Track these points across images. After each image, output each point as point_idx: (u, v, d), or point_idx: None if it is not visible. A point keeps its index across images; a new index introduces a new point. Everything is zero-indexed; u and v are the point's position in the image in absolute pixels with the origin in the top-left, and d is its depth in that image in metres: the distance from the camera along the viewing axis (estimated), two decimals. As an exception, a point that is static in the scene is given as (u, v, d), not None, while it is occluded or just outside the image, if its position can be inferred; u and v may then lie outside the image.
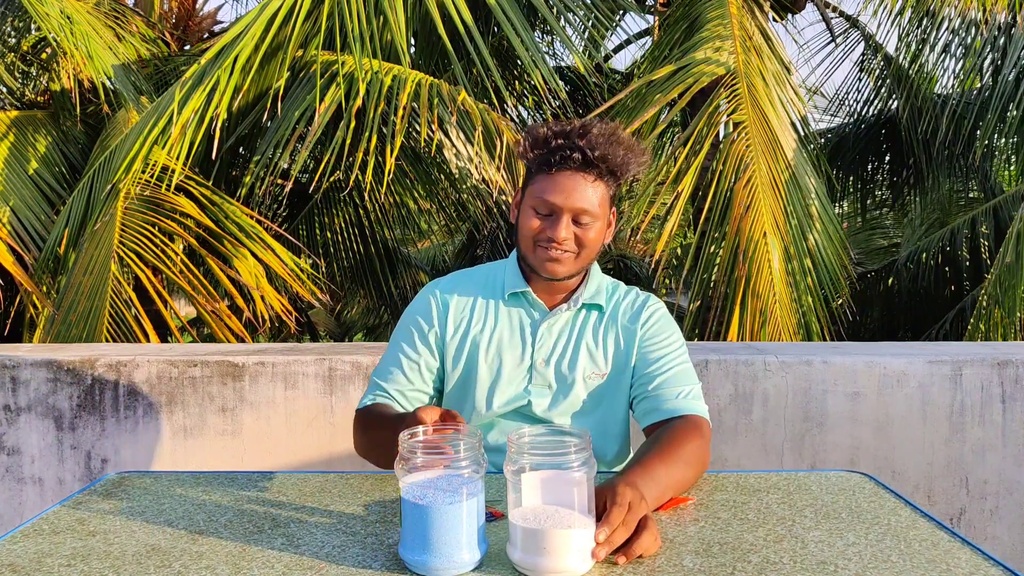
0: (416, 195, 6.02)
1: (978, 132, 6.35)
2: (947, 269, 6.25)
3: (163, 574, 0.96)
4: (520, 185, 1.46)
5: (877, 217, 8.15)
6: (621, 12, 6.60)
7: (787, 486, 1.28)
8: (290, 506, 1.19)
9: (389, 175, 3.99)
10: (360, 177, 5.38)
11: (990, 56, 5.56)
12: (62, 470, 2.33)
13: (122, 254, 3.63)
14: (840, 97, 7.54)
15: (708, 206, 4.12)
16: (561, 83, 5.19)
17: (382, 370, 1.48)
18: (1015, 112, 5.31)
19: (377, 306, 7.22)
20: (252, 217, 4.02)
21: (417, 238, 7.51)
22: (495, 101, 4.88)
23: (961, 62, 5.76)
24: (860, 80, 7.27)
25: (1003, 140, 6.49)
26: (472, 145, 3.89)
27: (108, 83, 4.64)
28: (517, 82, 6.30)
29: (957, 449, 2.26)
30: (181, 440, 2.32)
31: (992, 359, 2.27)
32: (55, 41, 4.58)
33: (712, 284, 4.26)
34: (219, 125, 3.77)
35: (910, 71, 6.50)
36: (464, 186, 5.76)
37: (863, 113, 7.31)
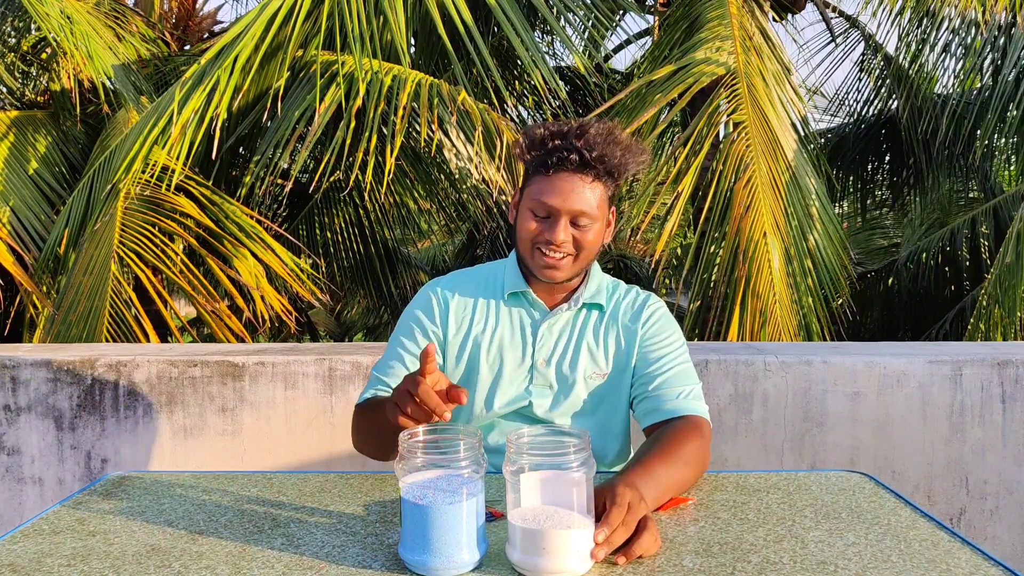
0: (416, 195, 6.02)
1: (978, 132, 6.35)
2: (947, 269, 6.25)
3: (163, 574, 0.96)
4: (518, 185, 1.45)
5: (877, 217, 8.15)
6: (621, 12, 6.60)
7: (787, 486, 1.28)
8: (290, 506, 1.19)
9: (389, 175, 3.99)
10: (360, 177, 5.38)
11: (990, 56, 5.56)
12: (62, 470, 2.33)
13: (122, 254, 3.63)
14: (840, 97, 7.55)
15: (708, 206, 4.12)
16: (561, 83, 5.19)
17: (382, 366, 1.46)
18: (1015, 112, 5.31)
19: (377, 306, 7.22)
20: (252, 217, 4.02)
21: (417, 238, 7.51)
22: (495, 101, 4.88)
23: (961, 62, 5.76)
24: (860, 80, 7.28)
25: (1003, 140, 6.49)
26: (472, 145, 3.89)
27: (108, 83, 4.64)
28: (517, 82, 6.30)
29: (957, 449, 2.26)
30: (181, 440, 2.32)
31: (992, 359, 2.27)
32: (55, 41, 4.59)
33: (712, 284, 4.26)
34: (219, 125, 3.77)
35: (910, 71, 6.50)
36: (464, 186, 5.76)
37: (863, 113, 7.31)
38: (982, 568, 0.97)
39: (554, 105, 5.90)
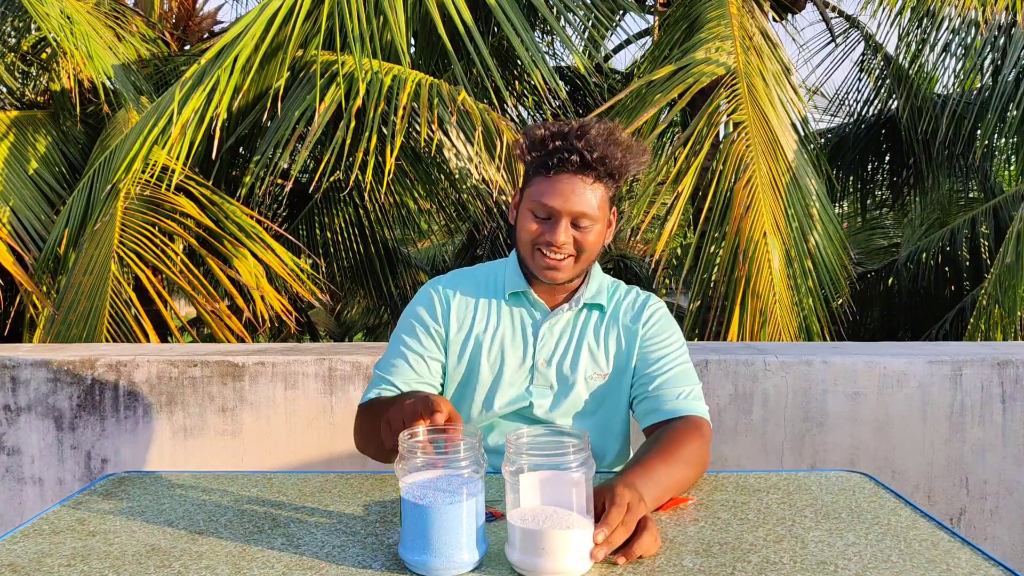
0: (416, 195, 6.02)
1: (978, 132, 6.35)
2: (947, 269, 6.25)
3: (163, 574, 0.96)
4: (519, 186, 1.45)
5: (877, 217, 8.15)
6: (621, 12, 6.60)
7: (787, 486, 1.28)
8: (290, 506, 1.19)
9: (389, 175, 3.99)
10: (360, 177, 5.38)
11: (990, 56, 5.56)
12: (62, 470, 2.33)
13: (122, 254, 3.62)
14: (840, 97, 7.55)
15: (708, 206, 4.12)
16: (561, 83, 5.19)
17: (385, 365, 1.45)
18: (1015, 112, 5.31)
19: (377, 306, 7.22)
20: (252, 217, 4.02)
21: (417, 238, 7.51)
22: (495, 101, 4.88)
23: (961, 62, 5.76)
24: (860, 80, 7.28)
25: (1003, 140, 6.49)
26: (472, 145, 3.89)
27: (108, 83, 4.64)
28: (517, 82, 6.30)
29: (957, 449, 2.26)
30: (181, 440, 2.32)
31: (992, 359, 2.27)
32: (55, 41, 4.58)
33: (712, 284, 4.26)
34: (219, 125, 3.77)
35: (910, 71, 6.50)
36: (464, 186, 5.76)
37: (863, 113, 7.31)
38: (982, 568, 0.97)
39: (554, 105, 5.90)
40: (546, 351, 1.43)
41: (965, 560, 0.99)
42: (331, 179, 5.51)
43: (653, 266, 5.25)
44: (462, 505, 0.94)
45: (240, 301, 4.03)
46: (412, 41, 5.27)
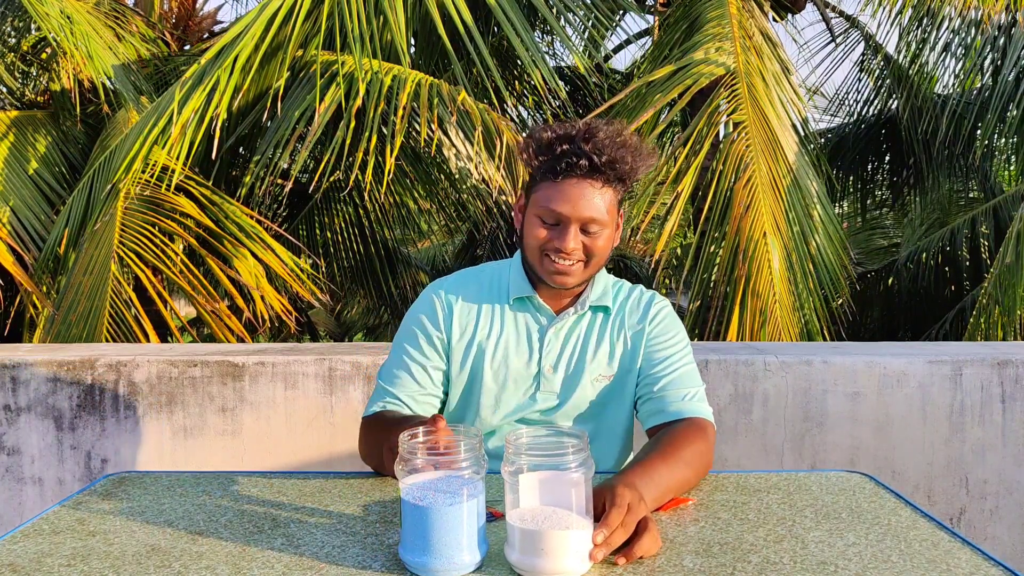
0: (416, 195, 6.02)
1: (978, 132, 6.35)
2: (947, 269, 6.25)
3: (163, 574, 0.96)
4: (522, 188, 1.43)
5: (877, 217, 8.15)
6: (621, 12, 6.60)
7: (787, 486, 1.28)
8: (290, 506, 1.19)
9: (389, 175, 3.99)
10: (360, 177, 5.38)
11: (990, 56, 5.56)
12: (62, 470, 2.33)
13: (122, 254, 3.63)
14: (840, 97, 7.55)
15: (708, 206, 4.12)
16: (561, 83, 5.19)
17: (388, 375, 1.43)
18: (1015, 112, 5.31)
19: (377, 306, 7.22)
20: (252, 217, 4.02)
21: (417, 238, 7.51)
22: (495, 101, 4.88)
23: (961, 62, 5.76)
24: (860, 80, 7.28)
25: (1003, 140, 6.49)
26: (472, 145, 3.89)
27: (108, 83, 4.64)
28: (517, 82, 6.30)
29: (957, 449, 2.26)
30: (181, 440, 2.32)
31: (992, 359, 2.27)
32: (55, 41, 4.58)
33: (712, 284, 4.26)
34: (219, 125, 3.77)
35: (910, 71, 6.50)
36: (464, 186, 5.76)
37: (863, 113, 7.31)
38: (982, 568, 0.97)
39: (554, 105, 5.90)
40: (552, 357, 1.41)
41: (965, 560, 0.99)
42: (331, 179, 5.51)
43: (653, 266, 5.25)
44: (462, 506, 0.94)
45: (240, 301, 4.03)
46: (412, 41, 5.27)
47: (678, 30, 4.78)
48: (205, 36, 6.04)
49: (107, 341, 3.46)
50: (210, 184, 4.08)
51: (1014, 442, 2.26)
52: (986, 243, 5.95)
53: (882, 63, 7.03)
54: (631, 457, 1.49)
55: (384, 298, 6.45)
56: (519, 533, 0.94)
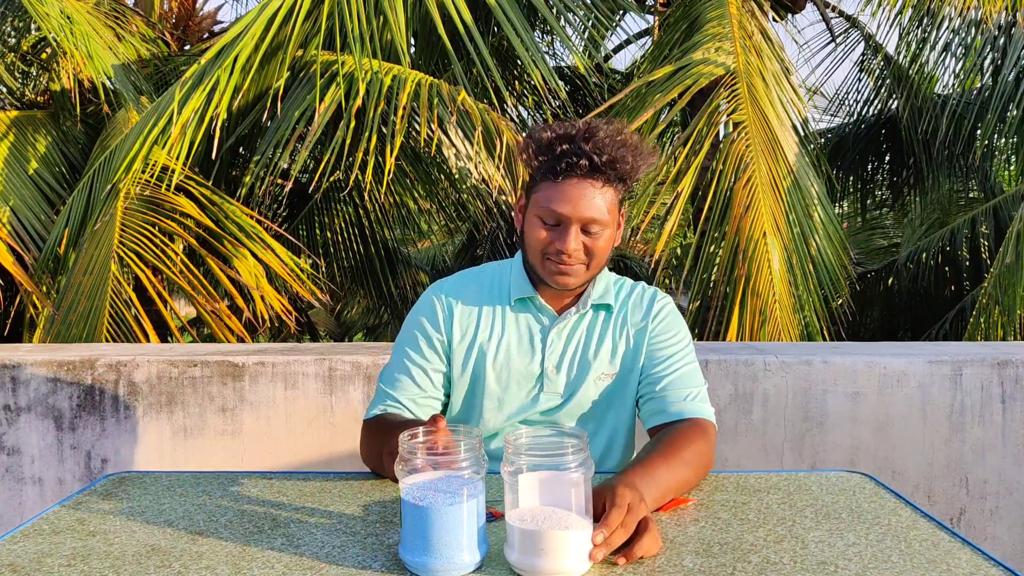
0: (416, 195, 6.02)
1: (978, 132, 6.35)
2: (947, 269, 6.25)
3: (163, 574, 0.96)
4: (522, 188, 1.43)
5: (877, 217, 8.15)
6: (621, 12, 6.60)
7: (787, 486, 1.28)
8: (290, 506, 1.19)
9: (389, 175, 3.99)
10: (360, 177, 5.38)
11: (990, 56, 5.56)
12: (62, 470, 2.33)
13: (122, 254, 3.63)
14: (840, 97, 7.55)
15: (708, 206, 4.12)
16: (561, 83, 5.19)
17: (389, 378, 1.43)
18: (1015, 112, 5.31)
19: (377, 306, 7.22)
20: (252, 217, 4.02)
21: (417, 238, 7.51)
22: (495, 101, 4.88)
23: (961, 62, 5.76)
24: (860, 80, 7.28)
25: (1003, 140, 6.49)
26: (472, 145, 3.89)
27: (108, 83, 4.64)
28: (517, 82, 6.30)
29: (957, 449, 2.26)
30: (181, 440, 2.32)
31: (992, 359, 2.27)
32: (55, 41, 4.58)
33: (712, 284, 4.26)
34: (219, 125, 3.77)
35: (910, 71, 6.50)
36: (464, 186, 5.76)
37: (863, 113, 7.31)
38: (982, 568, 0.97)
39: (554, 105, 5.90)
40: (555, 357, 1.40)
41: (965, 560, 0.99)
42: (331, 179, 5.51)
43: (653, 266, 5.25)
44: (462, 506, 0.94)
45: (240, 301, 4.03)
46: (412, 41, 5.27)
47: (678, 30, 4.78)
48: (205, 36, 6.04)
49: (107, 341, 3.46)
50: (210, 184, 4.08)
51: (1014, 442, 2.26)
52: (986, 243, 5.95)
53: (882, 63, 7.03)
54: (632, 456, 1.49)
55: (384, 298, 6.45)
56: (519, 533, 0.94)
